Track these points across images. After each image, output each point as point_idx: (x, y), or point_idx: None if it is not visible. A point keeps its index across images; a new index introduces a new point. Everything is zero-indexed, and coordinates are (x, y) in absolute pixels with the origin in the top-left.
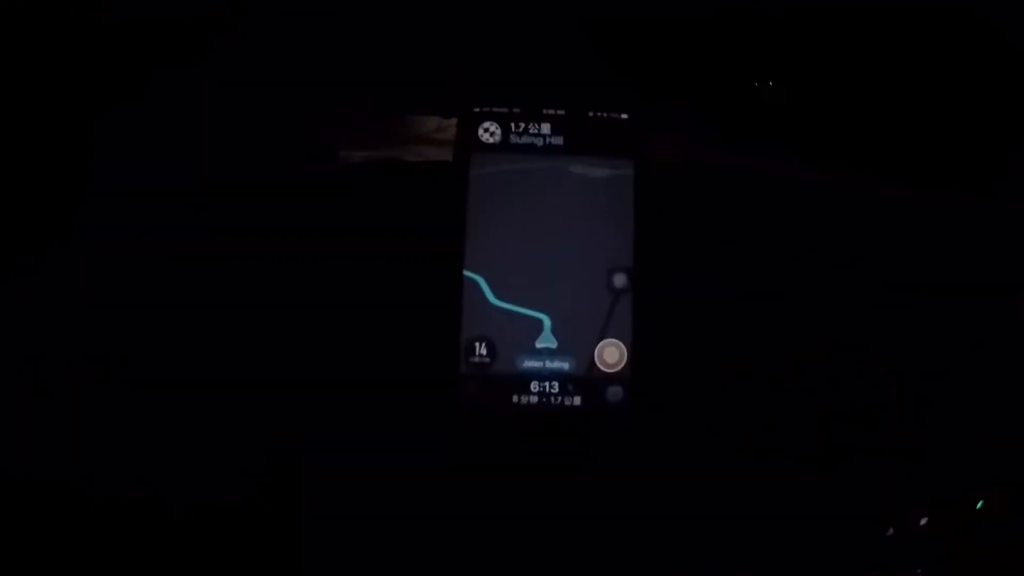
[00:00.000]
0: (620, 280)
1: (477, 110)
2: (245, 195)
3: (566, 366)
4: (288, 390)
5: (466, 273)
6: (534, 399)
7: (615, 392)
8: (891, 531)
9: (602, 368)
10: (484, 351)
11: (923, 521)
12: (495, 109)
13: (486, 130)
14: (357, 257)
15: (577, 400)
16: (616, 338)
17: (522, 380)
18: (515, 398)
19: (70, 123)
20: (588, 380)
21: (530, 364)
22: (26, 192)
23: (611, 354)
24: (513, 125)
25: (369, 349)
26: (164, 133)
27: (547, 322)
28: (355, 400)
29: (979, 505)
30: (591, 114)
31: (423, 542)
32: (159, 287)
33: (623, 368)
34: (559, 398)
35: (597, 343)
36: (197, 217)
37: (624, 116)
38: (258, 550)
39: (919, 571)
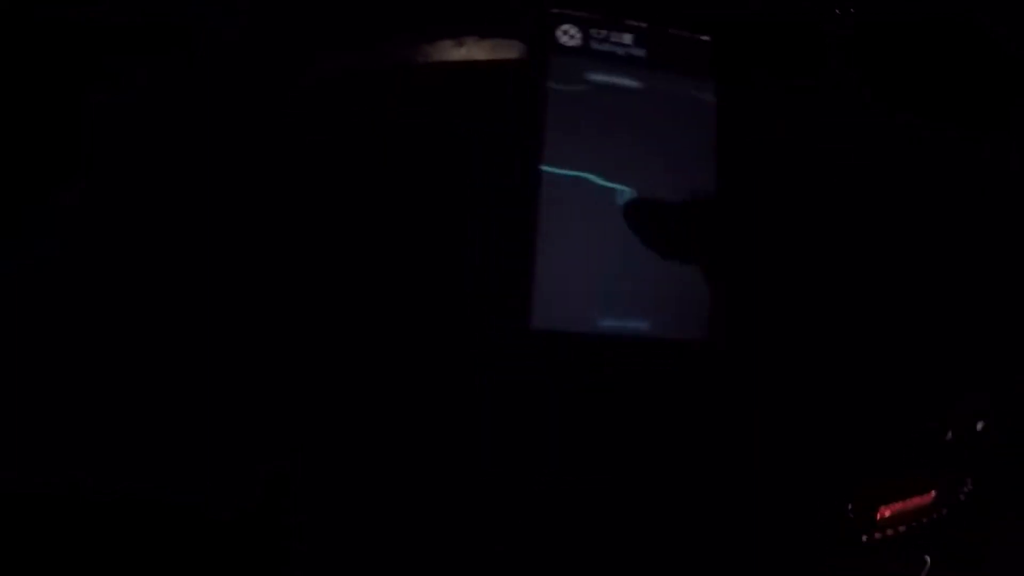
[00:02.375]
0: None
1: (556, 11)
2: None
3: None
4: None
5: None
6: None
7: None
8: (950, 435)
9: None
10: None
11: (980, 426)
12: (574, 12)
13: (565, 32)
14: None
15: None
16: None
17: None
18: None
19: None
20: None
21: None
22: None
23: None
24: (594, 31)
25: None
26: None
27: None
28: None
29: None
30: (672, 32)
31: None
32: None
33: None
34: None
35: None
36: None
37: (706, 39)
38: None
39: (969, 480)
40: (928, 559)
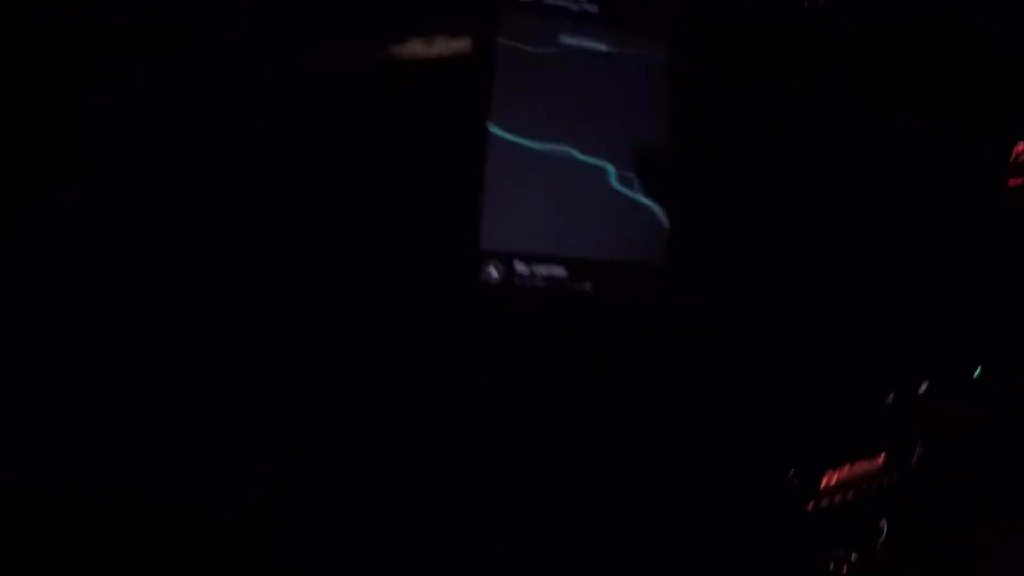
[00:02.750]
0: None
1: None
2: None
3: None
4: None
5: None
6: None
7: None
8: (891, 398)
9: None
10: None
11: (923, 387)
12: None
13: None
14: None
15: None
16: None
17: None
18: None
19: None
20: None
21: None
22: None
23: None
24: None
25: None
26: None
27: None
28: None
29: (977, 373)
30: None
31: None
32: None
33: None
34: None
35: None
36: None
37: None
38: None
39: (919, 442)
40: (885, 525)
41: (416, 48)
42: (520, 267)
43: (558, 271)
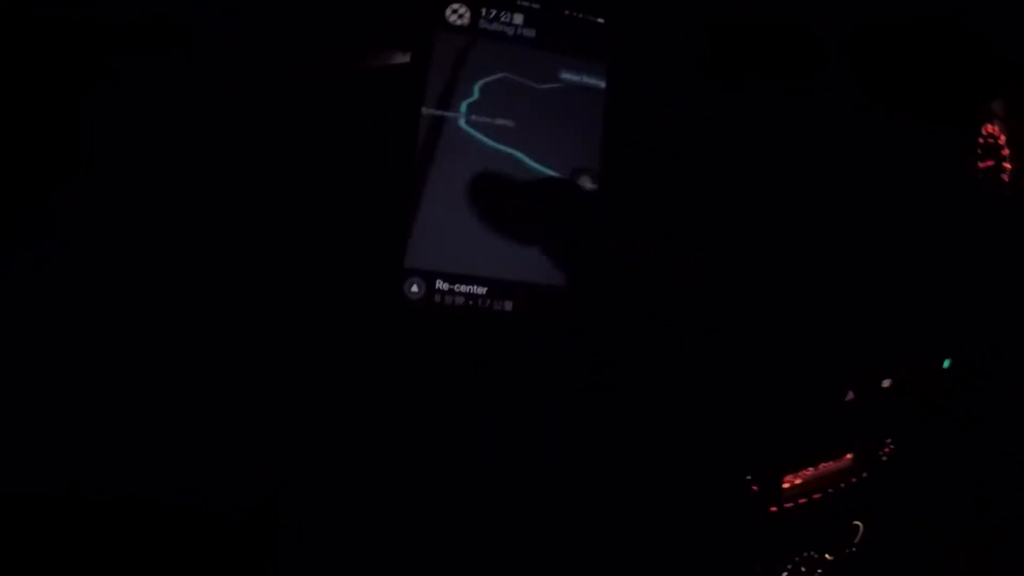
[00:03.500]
0: (586, 183)
1: None
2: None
3: None
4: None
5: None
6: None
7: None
8: (850, 395)
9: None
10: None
11: (886, 383)
12: None
13: (454, 11)
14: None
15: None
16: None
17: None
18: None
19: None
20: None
21: None
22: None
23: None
24: (484, 10)
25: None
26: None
27: None
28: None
29: (946, 364)
30: (567, 12)
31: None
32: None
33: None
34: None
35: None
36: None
37: (600, 20)
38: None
39: (888, 440)
40: (861, 525)
41: (360, 61)
42: (441, 285)
43: (479, 290)
